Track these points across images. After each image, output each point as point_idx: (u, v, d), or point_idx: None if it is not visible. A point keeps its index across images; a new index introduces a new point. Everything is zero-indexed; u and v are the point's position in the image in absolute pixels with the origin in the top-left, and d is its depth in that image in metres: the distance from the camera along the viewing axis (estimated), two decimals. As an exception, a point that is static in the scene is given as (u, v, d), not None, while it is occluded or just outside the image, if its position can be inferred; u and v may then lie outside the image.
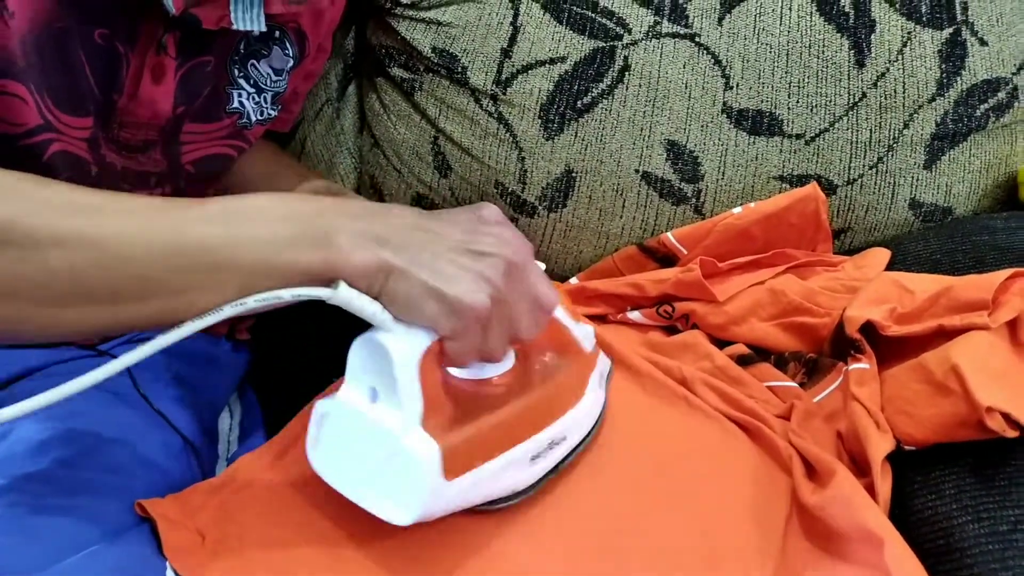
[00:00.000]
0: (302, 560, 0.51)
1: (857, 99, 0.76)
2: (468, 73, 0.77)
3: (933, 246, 0.73)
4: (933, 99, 0.76)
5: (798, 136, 0.77)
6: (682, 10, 0.76)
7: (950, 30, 0.76)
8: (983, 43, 0.76)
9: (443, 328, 0.46)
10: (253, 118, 0.69)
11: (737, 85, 0.76)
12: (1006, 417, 0.53)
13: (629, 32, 0.76)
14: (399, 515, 0.46)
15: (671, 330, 0.75)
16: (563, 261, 0.81)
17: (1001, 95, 0.77)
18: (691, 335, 0.72)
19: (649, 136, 0.76)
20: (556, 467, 0.55)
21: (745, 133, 0.76)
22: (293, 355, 0.82)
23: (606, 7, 0.76)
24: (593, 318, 0.75)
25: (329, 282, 0.44)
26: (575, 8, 0.76)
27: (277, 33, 0.68)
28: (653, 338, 0.74)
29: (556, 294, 0.51)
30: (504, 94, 0.77)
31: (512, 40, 0.76)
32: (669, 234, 0.77)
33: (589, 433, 0.58)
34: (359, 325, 0.47)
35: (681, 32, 0.76)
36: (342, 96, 0.86)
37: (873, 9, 0.76)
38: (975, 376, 0.54)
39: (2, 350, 0.65)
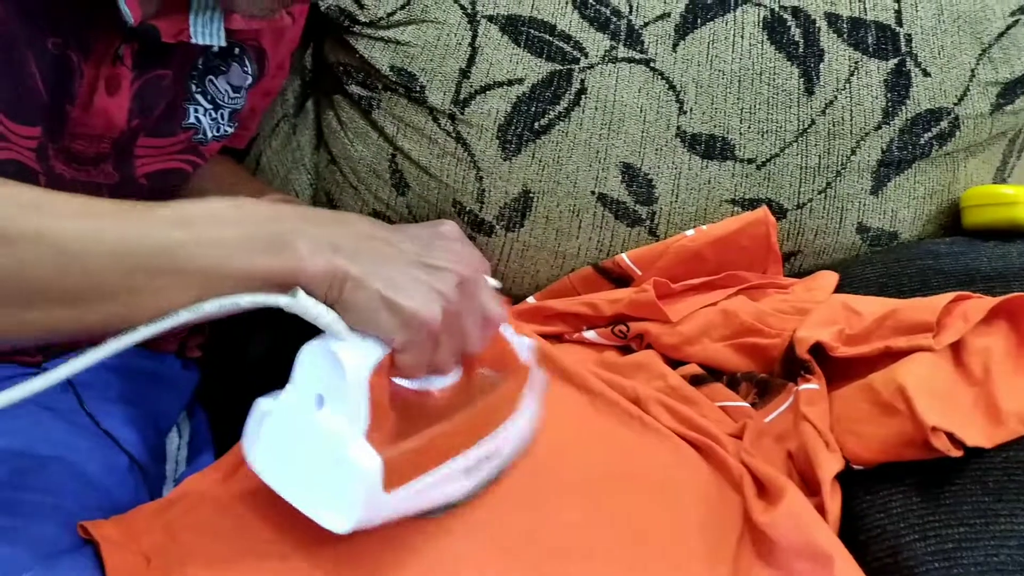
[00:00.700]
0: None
1: (807, 125, 0.78)
2: (426, 92, 0.77)
3: (880, 269, 0.75)
4: (879, 127, 0.79)
5: (749, 161, 0.78)
6: (638, 35, 0.77)
7: (895, 61, 0.79)
8: (926, 74, 0.79)
9: (396, 340, 0.46)
10: (209, 134, 0.68)
11: (691, 110, 0.77)
12: (950, 437, 0.54)
13: (586, 56, 0.77)
14: (337, 523, 0.47)
15: (626, 350, 0.75)
16: (520, 280, 0.81)
17: (943, 124, 0.80)
18: (645, 355, 0.72)
19: (605, 158, 0.77)
20: (488, 480, 0.55)
21: (698, 157, 0.78)
22: (245, 374, 0.81)
23: (563, 31, 0.77)
24: (549, 337, 0.76)
25: (287, 288, 0.44)
26: (533, 31, 0.77)
27: (237, 50, 0.67)
28: (608, 357, 0.74)
29: (504, 311, 0.52)
30: (462, 114, 0.77)
31: (471, 61, 0.77)
32: (624, 255, 0.78)
33: (521, 447, 0.58)
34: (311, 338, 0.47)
35: (636, 57, 0.77)
36: (299, 112, 0.86)
37: (822, 39, 0.78)
38: (920, 397, 0.55)
39: None
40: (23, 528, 0.52)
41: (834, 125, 0.78)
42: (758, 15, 0.78)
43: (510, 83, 0.76)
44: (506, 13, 0.77)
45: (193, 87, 0.65)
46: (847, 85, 0.78)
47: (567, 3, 0.77)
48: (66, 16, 0.54)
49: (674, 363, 0.72)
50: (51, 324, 0.43)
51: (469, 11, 0.77)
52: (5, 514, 0.53)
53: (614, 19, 0.77)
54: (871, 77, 0.78)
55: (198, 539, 0.53)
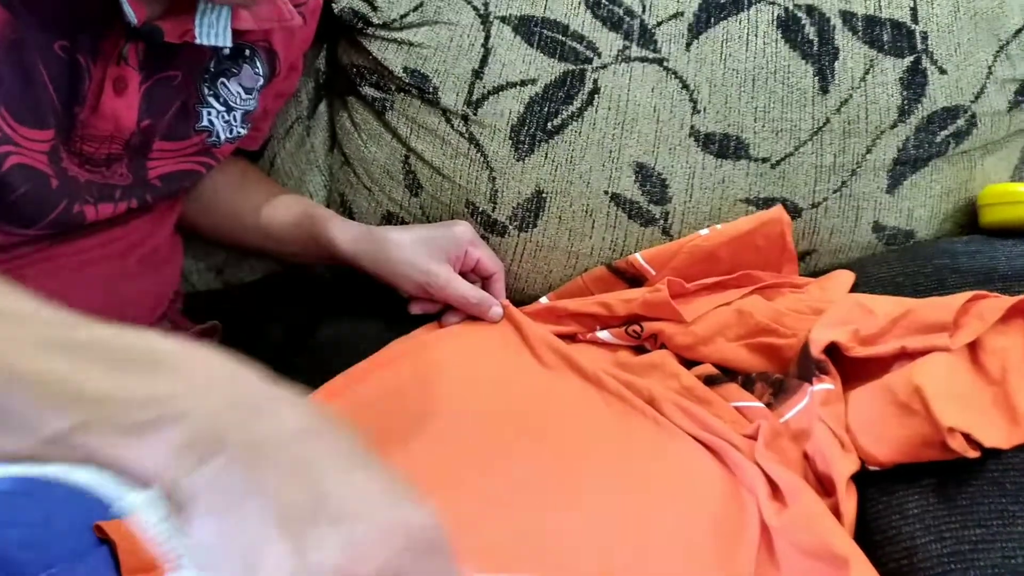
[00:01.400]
0: None
1: (821, 124, 0.78)
2: (439, 93, 0.77)
3: (896, 269, 0.75)
4: (895, 125, 0.78)
5: (764, 160, 0.78)
6: (651, 35, 0.77)
7: (911, 58, 0.78)
8: (943, 72, 0.78)
9: None
10: (222, 136, 0.68)
11: (704, 109, 0.77)
12: (967, 437, 0.54)
13: (599, 56, 0.77)
14: None
15: (640, 350, 0.75)
16: (533, 281, 0.81)
17: (960, 122, 0.79)
18: (659, 355, 0.72)
19: (618, 158, 0.77)
20: None
21: (712, 156, 0.77)
22: (262, 360, 0.81)
23: (576, 31, 0.77)
24: (563, 337, 0.75)
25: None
26: (546, 31, 0.77)
27: (247, 52, 0.67)
28: (622, 357, 0.74)
29: None
30: (475, 114, 0.77)
31: (483, 61, 0.77)
32: (637, 255, 0.78)
33: None
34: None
35: (650, 57, 0.77)
36: (313, 114, 0.86)
37: (837, 37, 0.77)
38: (937, 397, 0.55)
39: None
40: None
41: (849, 124, 0.78)
42: (772, 13, 0.77)
43: (523, 84, 0.76)
44: (519, 14, 0.77)
45: (205, 90, 0.65)
46: (862, 83, 0.77)
47: (580, 3, 0.77)
48: (72, 19, 0.55)
49: (688, 363, 0.72)
50: None
51: (482, 12, 0.77)
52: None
53: (627, 19, 0.77)
54: (886, 75, 0.78)
55: None
